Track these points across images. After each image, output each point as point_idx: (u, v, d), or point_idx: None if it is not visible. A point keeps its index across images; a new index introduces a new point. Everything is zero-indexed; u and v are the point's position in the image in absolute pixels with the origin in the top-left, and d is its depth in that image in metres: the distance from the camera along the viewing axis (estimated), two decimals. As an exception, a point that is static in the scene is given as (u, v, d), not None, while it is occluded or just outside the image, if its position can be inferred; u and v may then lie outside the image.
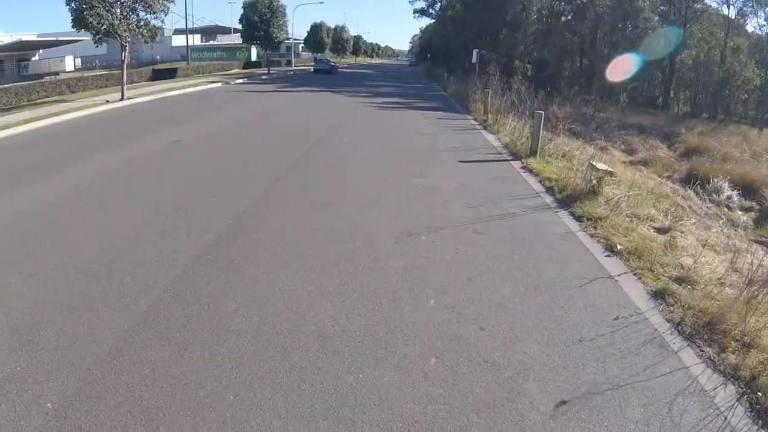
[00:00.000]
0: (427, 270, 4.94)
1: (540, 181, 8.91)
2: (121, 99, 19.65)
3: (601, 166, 11.00)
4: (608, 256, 5.73)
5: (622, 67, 32.85)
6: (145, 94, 22.20)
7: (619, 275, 5.18)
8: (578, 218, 6.89)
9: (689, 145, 19.90)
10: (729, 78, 35.77)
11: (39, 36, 46.72)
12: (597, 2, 33.47)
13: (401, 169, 9.09)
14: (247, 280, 4.55)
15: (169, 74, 34.60)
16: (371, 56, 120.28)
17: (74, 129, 13.37)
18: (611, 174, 10.42)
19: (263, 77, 37.45)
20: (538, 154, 10.80)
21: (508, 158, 10.85)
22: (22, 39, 42.65)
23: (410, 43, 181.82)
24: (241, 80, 33.33)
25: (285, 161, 9.34)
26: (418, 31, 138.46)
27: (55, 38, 44.87)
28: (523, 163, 10.31)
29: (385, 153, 10.64)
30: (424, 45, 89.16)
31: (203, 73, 38.77)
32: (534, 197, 7.92)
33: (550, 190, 8.33)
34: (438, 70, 50.79)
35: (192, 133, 12.38)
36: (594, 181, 8.04)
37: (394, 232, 5.90)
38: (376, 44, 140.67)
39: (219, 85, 29.31)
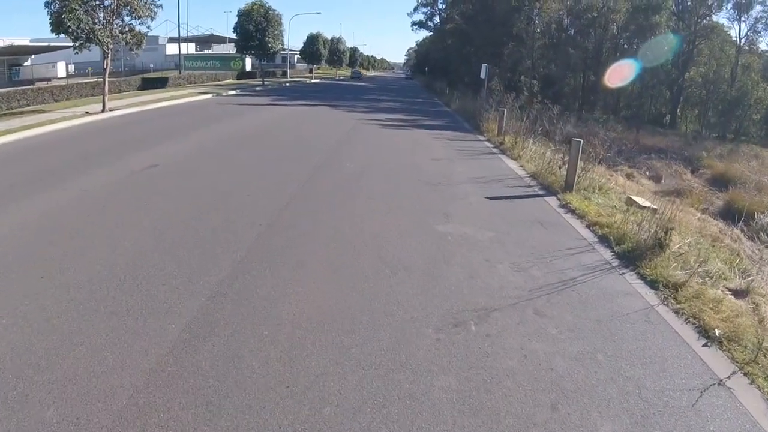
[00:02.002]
0: (490, 392, 3.39)
1: (588, 227, 7.41)
2: (102, 111, 18.05)
3: (641, 201, 9.57)
4: (706, 345, 4.35)
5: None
6: (129, 105, 20.62)
7: (729, 378, 3.86)
8: (653, 284, 5.44)
9: (716, 171, 18.53)
10: (742, 97, 34.62)
11: (32, 41, 45.11)
12: (609, 17, 32.28)
13: (422, 211, 7.52)
14: (225, 422, 2.95)
15: (160, 84, 33.10)
16: (367, 69, 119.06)
17: (41, 146, 11.75)
18: (655, 211, 9.03)
19: (257, 89, 35.96)
20: (574, 189, 9.35)
21: (541, 193, 9.36)
22: (14, 43, 41.02)
23: (405, 56, 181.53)
24: (233, 91, 31.79)
25: (278, 199, 7.69)
26: (413, 44, 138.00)
27: (47, 44, 43.23)
28: (560, 199, 8.83)
29: (398, 185, 9.06)
30: (420, 58, 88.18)
31: (195, 83, 37.27)
32: (589, 251, 6.41)
33: (604, 240, 6.84)
34: (437, 83, 49.64)
35: (171, 156, 10.77)
36: (660, 233, 6.51)
37: (433, 317, 4.34)
38: (372, 56, 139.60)
39: (210, 96, 27.73)
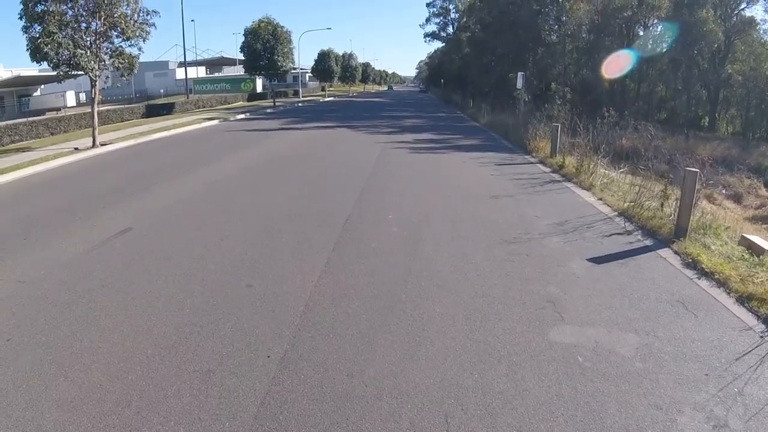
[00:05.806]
0: None
1: (740, 302, 5.09)
2: (93, 146, 15.96)
3: (761, 242, 7.05)
4: None
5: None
6: (125, 137, 18.51)
7: None
8: None
9: (798, 186, 15.82)
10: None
11: (40, 71, 44.12)
12: (647, 14, 29.75)
13: (519, 302, 4.90)
14: None
15: (166, 110, 31.32)
16: (379, 83, 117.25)
17: (10, 197, 9.57)
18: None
19: (268, 110, 33.94)
20: (687, 234, 6.85)
21: (648, 243, 6.82)
22: (21, 74, 40.05)
23: (416, 68, 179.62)
24: (243, 115, 29.75)
25: (292, 301, 4.94)
26: (424, 57, 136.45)
27: (55, 73, 42.03)
28: (678, 253, 6.35)
29: (468, 254, 6.30)
30: (433, 70, 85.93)
31: (203, 108, 35.48)
32: (780, 359, 3.94)
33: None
34: (455, 96, 47.44)
35: (149, 214, 8.24)
36: None
37: None
38: (384, 71, 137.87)
39: (217, 122, 25.66)
